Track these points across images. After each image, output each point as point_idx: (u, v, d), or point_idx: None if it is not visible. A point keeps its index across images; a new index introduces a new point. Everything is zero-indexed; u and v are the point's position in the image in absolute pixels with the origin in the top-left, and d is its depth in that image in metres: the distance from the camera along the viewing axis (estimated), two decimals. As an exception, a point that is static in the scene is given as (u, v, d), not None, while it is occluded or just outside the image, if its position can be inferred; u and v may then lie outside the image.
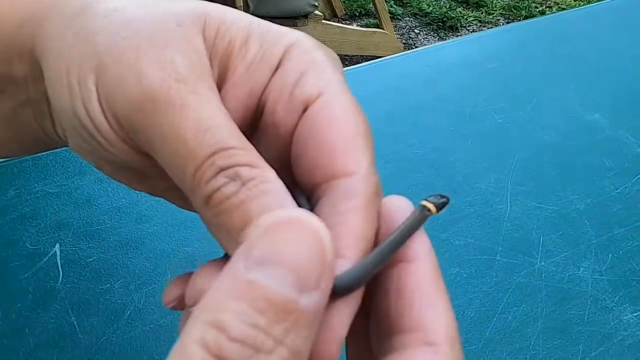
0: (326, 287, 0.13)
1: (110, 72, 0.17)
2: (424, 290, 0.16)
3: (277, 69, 0.18)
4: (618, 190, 0.44)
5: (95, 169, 0.42)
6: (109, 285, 0.35)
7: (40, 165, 0.42)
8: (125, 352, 0.32)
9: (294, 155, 0.18)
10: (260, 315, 0.11)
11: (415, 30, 2.17)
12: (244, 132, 0.17)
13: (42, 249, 0.37)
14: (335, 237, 0.15)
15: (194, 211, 0.18)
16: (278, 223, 0.13)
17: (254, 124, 0.19)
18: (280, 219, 0.13)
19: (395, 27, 2.12)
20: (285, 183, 0.17)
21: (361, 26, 1.98)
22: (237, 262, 0.12)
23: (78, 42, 0.17)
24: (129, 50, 0.17)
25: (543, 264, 0.39)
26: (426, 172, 0.44)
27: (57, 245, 0.37)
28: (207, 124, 0.16)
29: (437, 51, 0.58)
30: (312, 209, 0.17)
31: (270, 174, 0.16)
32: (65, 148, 0.44)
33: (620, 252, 0.40)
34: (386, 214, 0.17)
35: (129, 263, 0.37)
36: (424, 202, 0.18)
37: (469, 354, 0.34)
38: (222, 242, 0.17)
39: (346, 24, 1.95)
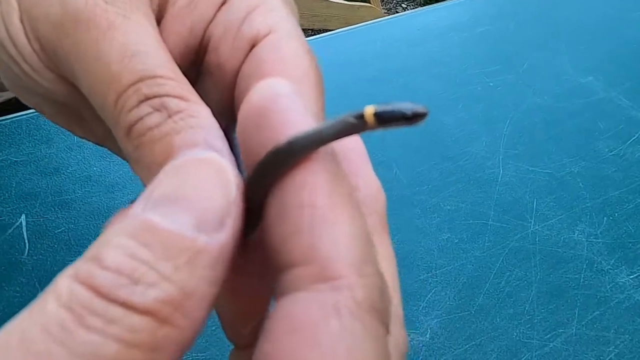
0: (233, 225, 0.11)
1: None
2: (316, 205, 0.11)
3: (223, 3, 0.17)
4: (612, 153, 0.43)
5: (63, 137, 0.40)
6: (79, 256, 0.33)
7: (5, 133, 0.39)
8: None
9: (237, 95, 0.17)
10: (145, 248, 0.10)
11: (403, 5, 2.13)
12: (184, 74, 0.15)
13: (6, 220, 0.34)
14: None
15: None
16: (184, 163, 0.12)
17: (196, 64, 0.18)
18: (186, 159, 0.12)
19: (382, 0, 2.08)
20: (227, 123, 0.16)
21: (347, 0, 1.94)
22: (136, 204, 0.11)
23: None
24: None
25: (537, 227, 0.37)
26: (416, 136, 0.42)
27: (23, 216, 0.35)
28: (135, 48, 0.14)
29: (427, 14, 0.55)
30: None
31: (202, 110, 0.14)
32: (31, 115, 0.41)
33: (616, 215, 0.39)
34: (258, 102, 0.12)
35: (101, 233, 0.34)
36: (367, 108, 0.12)
37: (462, 320, 0.33)
38: (143, 179, 0.15)
39: (332, -3, 1.90)
